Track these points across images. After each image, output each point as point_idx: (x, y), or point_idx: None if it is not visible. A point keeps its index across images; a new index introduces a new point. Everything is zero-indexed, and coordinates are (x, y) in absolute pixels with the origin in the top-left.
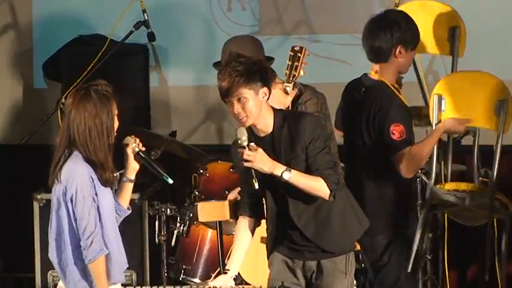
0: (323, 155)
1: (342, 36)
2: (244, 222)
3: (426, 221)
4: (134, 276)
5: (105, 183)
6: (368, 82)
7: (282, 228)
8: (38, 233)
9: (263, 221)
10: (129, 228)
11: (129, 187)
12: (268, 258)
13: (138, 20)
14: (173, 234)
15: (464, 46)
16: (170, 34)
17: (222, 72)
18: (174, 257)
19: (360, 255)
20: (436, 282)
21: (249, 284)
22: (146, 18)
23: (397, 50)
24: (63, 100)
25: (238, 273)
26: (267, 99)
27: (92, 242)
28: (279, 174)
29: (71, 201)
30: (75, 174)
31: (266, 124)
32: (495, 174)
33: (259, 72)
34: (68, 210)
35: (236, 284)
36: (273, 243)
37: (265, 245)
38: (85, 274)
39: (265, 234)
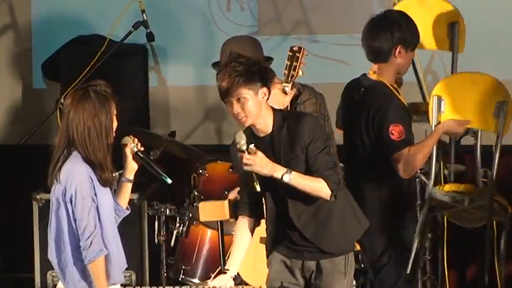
0: (323, 155)
1: (340, 36)
2: (243, 222)
3: (425, 222)
4: (133, 277)
5: (104, 183)
6: (367, 82)
7: (282, 228)
8: (37, 233)
9: (263, 222)
10: (128, 229)
11: (128, 187)
12: (267, 258)
13: (137, 20)
14: (172, 234)
15: (464, 41)
16: (169, 34)
17: (222, 72)
18: (174, 257)
19: (360, 256)
20: (435, 282)
21: (248, 285)
22: (145, 18)
23: (397, 50)
24: (62, 100)
25: (238, 274)
26: (267, 99)
27: (91, 242)
28: (279, 176)
29: (71, 201)
30: (75, 175)
31: (265, 124)
32: (494, 175)
33: (259, 72)
34: (67, 211)
35: (235, 284)
36: (272, 243)
37: (264, 246)
38: (84, 274)
39: (264, 235)
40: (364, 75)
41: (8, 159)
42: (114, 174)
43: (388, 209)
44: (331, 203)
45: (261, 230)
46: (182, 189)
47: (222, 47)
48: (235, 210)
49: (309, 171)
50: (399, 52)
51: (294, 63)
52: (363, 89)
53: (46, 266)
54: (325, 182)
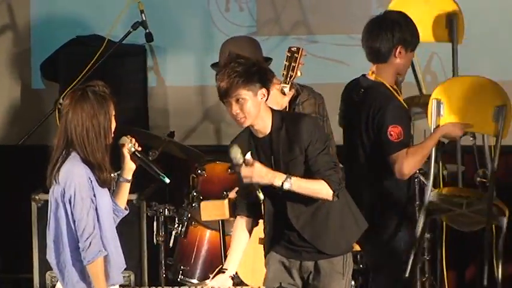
0: (323, 155)
1: (339, 37)
2: (241, 222)
3: (424, 225)
4: (132, 277)
5: (102, 184)
6: (366, 83)
7: (280, 229)
8: (36, 233)
9: (261, 222)
10: (127, 229)
11: (126, 187)
12: (265, 258)
13: (135, 21)
14: (171, 235)
15: (462, 33)
16: (168, 34)
17: (221, 73)
18: (172, 257)
19: (358, 256)
20: (434, 283)
21: (247, 285)
22: (144, 18)
23: (397, 50)
24: (61, 101)
25: (236, 274)
26: (266, 100)
27: (90, 243)
28: (279, 184)
29: (70, 202)
30: (73, 175)
31: (264, 125)
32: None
33: (258, 73)
34: (66, 212)
35: (234, 285)
36: (270, 243)
37: (262, 246)
38: (83, 275)
39: (262, 235)
40: (364, 75)
41: (7, 160)
42: (112, 175)
43: (387, 210)
44: (329, 203)
45: (260, 230)
46: (181, 189)
47: (221, 48)
48: (235, 210)
49: (309, 172)
50: (399, 52)
51: (293, 64)
52: (362, 90)
53: (45, 266)
54: (327, 182)
